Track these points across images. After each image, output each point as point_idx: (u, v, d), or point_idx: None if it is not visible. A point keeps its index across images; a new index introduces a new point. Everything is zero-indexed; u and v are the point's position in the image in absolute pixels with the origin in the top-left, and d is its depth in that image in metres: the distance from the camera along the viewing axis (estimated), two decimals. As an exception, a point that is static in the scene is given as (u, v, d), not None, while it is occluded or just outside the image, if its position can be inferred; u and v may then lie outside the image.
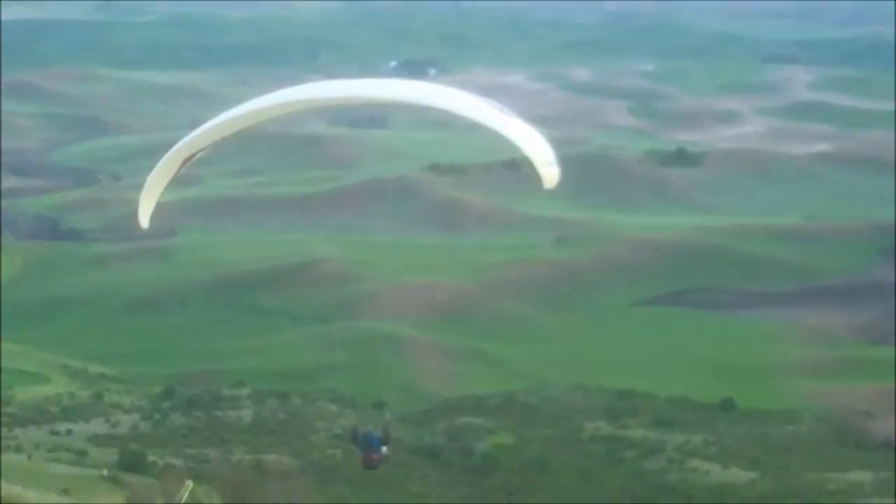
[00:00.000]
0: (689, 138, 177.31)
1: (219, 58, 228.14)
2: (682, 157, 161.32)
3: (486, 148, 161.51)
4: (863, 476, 66.42)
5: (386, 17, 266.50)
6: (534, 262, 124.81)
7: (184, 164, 17.19)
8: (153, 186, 18.29)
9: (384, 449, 16.10)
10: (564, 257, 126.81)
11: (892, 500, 55.05)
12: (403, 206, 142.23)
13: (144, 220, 17.89)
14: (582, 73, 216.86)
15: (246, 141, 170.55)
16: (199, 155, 16.98)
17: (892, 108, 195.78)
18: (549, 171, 15.85)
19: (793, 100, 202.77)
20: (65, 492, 21.31)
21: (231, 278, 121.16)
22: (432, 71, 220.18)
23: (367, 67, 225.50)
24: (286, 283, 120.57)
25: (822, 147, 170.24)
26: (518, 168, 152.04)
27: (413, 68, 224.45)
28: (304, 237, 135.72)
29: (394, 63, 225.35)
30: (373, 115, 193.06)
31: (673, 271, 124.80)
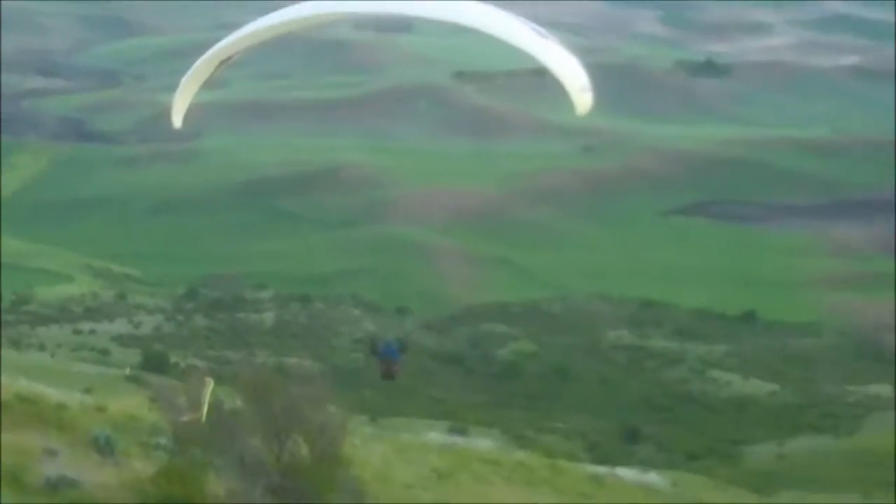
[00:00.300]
0: (719, 49, 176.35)
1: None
2: (711, 68, 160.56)
3: (513, 54, 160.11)
4: (882, 389, 66.52)
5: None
6: (561, 171, 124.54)
7: (220, 65, 17.44)
8: (189, 86, 18.33)
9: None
10: (591, 167, 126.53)
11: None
12: (430, 112, 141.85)
13: (178, 120, 18.10)
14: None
15: (272, 45, 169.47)
16: (235, 58, 17.24)
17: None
18: (583, 98, 15.51)
19: (823, 12, 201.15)
20: (87, 391, 21.36)
21: (256, 182, 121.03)
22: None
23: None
24: (311, 188, 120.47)
25: (851, 60, 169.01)
26: (545, 75, 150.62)
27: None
28: (330, 142, 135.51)
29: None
30: (399, 20, 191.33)
31: (700, 182, 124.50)
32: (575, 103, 15.38)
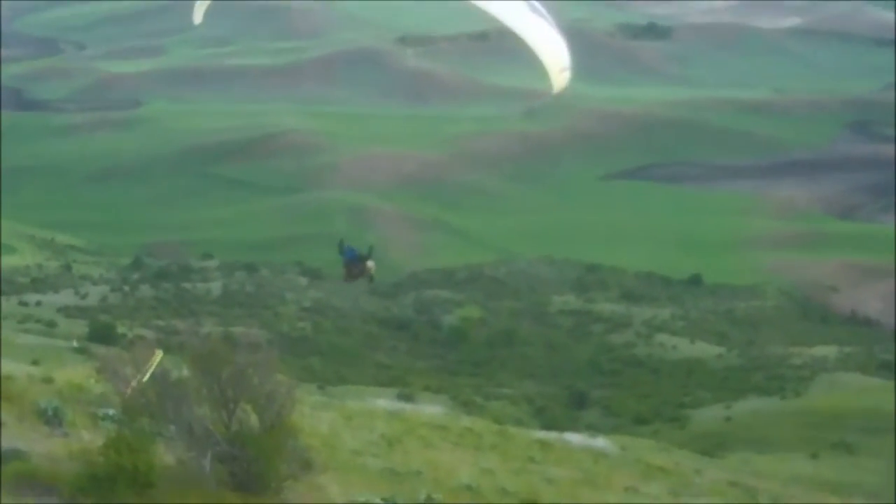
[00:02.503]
0: (660, 11, 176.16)
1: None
2: (652, 30, 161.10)
3: (455, 18, 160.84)
4: (827, 350, 67.12)
5: None
6: (503, 134, 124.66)
7: None
8: None
9: (369, 263, 16.35)
10: (533, 129, 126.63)
11: (856, 374, 55.52)
12: (371, 77, 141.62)
13: (198, 17, 19.75)
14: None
15: (210, 9, 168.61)
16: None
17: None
18: (561, 77, 15.74)
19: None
20: (35, 362, 21.29)
21: (197, 148, 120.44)
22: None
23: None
24: (253, 154, 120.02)
25: (791, 21, 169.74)
26: (487, 39, 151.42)
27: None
28: (271, 107, 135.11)
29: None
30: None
31: (642, 144, 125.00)
32: (553, 81, 15.54)
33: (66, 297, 68.73)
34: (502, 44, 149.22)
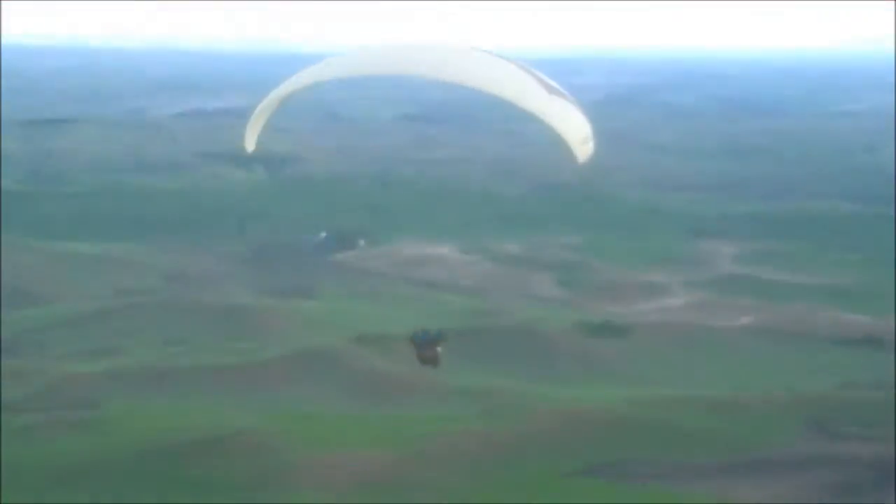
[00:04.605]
0: (616, 310, 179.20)
1: (144, 228, 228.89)
2: (608, 330, 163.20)
3: (413, 319, 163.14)
4: None
5: (313, 189, 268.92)
6: (460, 435, 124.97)
7: (280, 103, 22.41)
8: (257, 120, 23.11)
9: (439, 349, 17.87)
10: (493, 429, 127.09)
11: None
12: (328, 377, 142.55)
13: (251, 146, 24.38)
14: (510, 246, 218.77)
15: (170, 310, 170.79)
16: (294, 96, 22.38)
17: (813, 281, 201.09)
18: (584, 148, 16.95)
19: (717, 273, 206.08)
20: None
21: (154, 450, 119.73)
22: (362, 242, 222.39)
23: (295, 238, 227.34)
24: (210, 454, 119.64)
25: (746, 320, 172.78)
26: (444, 339, 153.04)
27: (343, 239, 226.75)
28: (229, 407, 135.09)
29: (324, 234, 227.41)
30: (300, 286, 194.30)
31: (600, 443, 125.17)
32: (575, 153, 16.76)
33: None
34: (458, 344, 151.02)
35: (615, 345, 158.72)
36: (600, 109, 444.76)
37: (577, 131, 15.82)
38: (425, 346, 19.04)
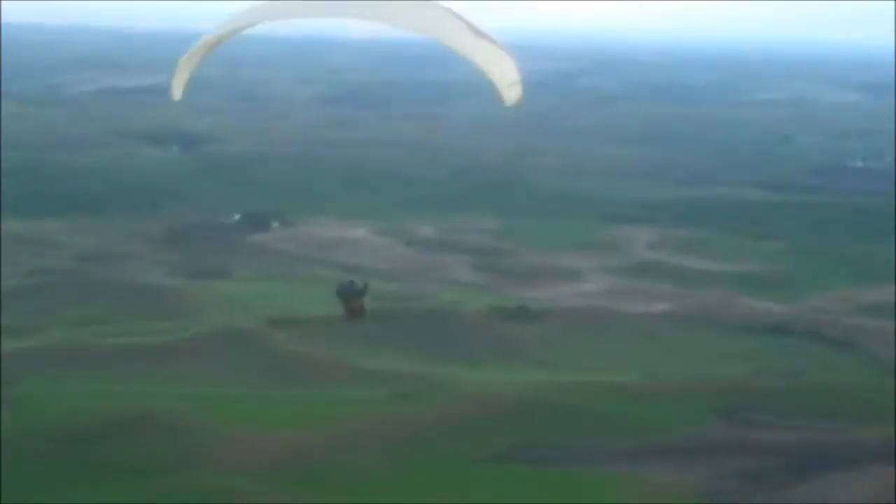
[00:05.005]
0: (532, 295, 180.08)
1: (59, 206, 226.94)
2: (523, 314, 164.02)
3: (326, 301, 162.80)
4: None
5: (229, 169, 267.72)
6: (375, 417, 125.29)
7: (211, 49, 22.31)
8: (184, 67, 22.88)
9: (365, 299, 18.31)
10: (406, 412, 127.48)
11: None
12: (242, 358, 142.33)
13: (177, 94, 23.82)
14: (427, 229, 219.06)
15: (84, 290, 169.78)
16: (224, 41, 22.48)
17: (727, 269, 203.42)
18: (511, 92, 17.26)
19: (633, 259, 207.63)
20: None
21: (66, 430, 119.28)
22: (275, 223, 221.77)
23: (210, 218, 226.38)
24: (122, 435, 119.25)
25: (660, 307, 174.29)
26: (360, 321, 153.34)
27: (256, 220, 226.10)
28: (142, 388, 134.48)
29: (238, 215, 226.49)
30: (214, 266, 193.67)
31: (513, 427, 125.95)
32: (503, 96, 17.17)
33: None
34: (373, 327, 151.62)
35: (530, 329, 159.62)
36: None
37: (504, 74, 16.31)
38: (352, 298, 20.21)
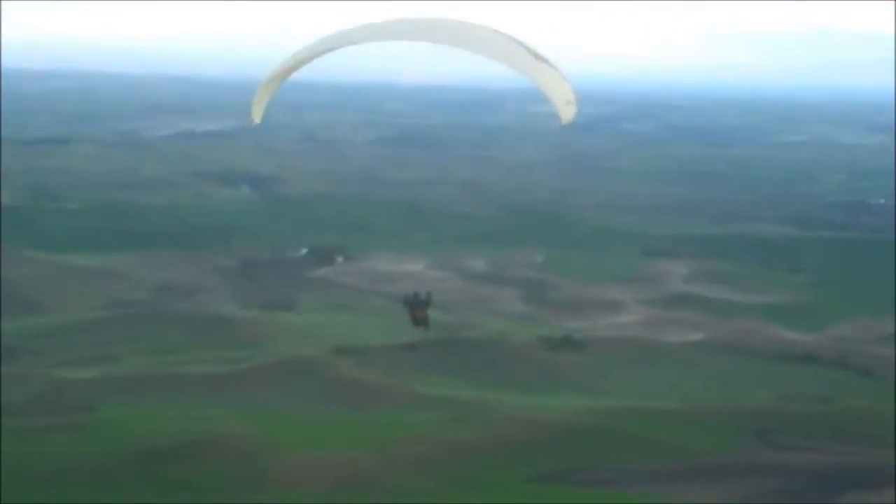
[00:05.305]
0: (575, 325, 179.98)
1: (137, 242, 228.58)
2: (567, 343, 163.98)
3: (386, 331, 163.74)
4: None
5: (295, 207, 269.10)
6: (431, 440, 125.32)
7: (286, 76, 22.75)
8: (263, 91, 23.40)
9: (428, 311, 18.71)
10: (460, 435, 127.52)
11: None
12: (307, 384, 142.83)
13: (257, 117, 24.52)
14: (478, 263, 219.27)
15: (160, 320, 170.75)
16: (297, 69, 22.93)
17: (758, 300, 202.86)
18: (567, 110, 17.66)
19: (669, 291, 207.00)
20: None
21: (143, 452, 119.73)
22: (339, 258, 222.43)
23: (278, 253, 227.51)
24: (196, 457, 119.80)
25: (695, 336, 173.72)
26: (418, 350, 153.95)
27: (321, 255, 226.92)
28: (213, 413, 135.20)
29: (305, 250, 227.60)
30: (282, 298, 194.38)
31: (559, 450, 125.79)
32: (559, 114, 17.58)
33: None
34: (431, 354, 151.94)
35: (575, 358, 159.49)
36: (562, 137, 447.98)
37: (562, 94, 16.76)
38: (417, 308, 20.52)
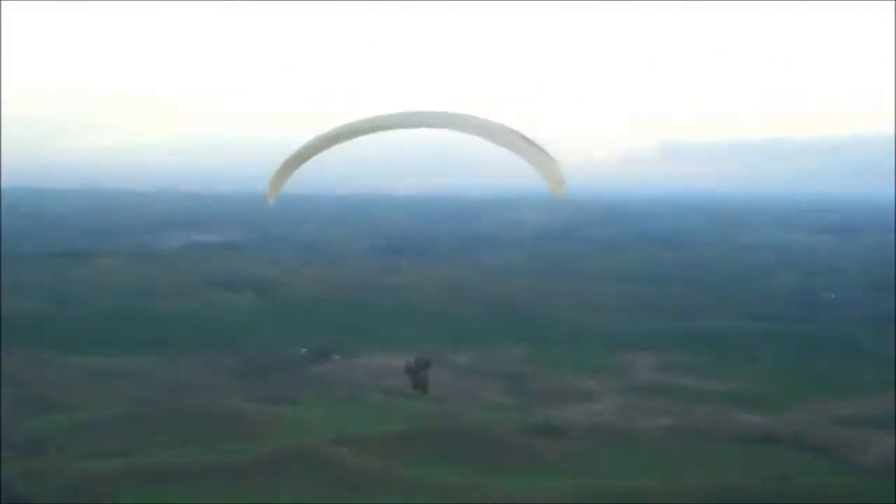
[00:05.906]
0: (555, 413, 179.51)
1: (154, 345, 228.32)
2: (548, 430, 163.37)
3: (380, 421, 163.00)
4: None
5: (296, 310, 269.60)
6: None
7: (302, 162, 22.74)
8: (280, 174, 23.44)
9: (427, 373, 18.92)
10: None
11: None
12: (310, 473, 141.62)
13: (272, 200, 24.71)
14: (463, 358, 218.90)
15: (174, 415, 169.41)
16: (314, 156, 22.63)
17: (721, 388, 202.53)
18: (559, 189, 18.35)
19: (639, 380, 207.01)
20: None
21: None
22: (336, 356, 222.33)
23: (280, 352, 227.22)
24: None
25: (664, 421, 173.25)
26: (409, 438, 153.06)
27: (320, 353, 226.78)
28: (224, 501, 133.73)
29: (304, 350, 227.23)
30: (285, 394, 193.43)
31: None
32: (552, 192, 18.45)
33: None
34: (420, 443, 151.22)
35: (555, 443, 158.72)
36: (538, 243, 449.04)
37: (554, 174, 17.56)
38: (417, 371, 21.03)
